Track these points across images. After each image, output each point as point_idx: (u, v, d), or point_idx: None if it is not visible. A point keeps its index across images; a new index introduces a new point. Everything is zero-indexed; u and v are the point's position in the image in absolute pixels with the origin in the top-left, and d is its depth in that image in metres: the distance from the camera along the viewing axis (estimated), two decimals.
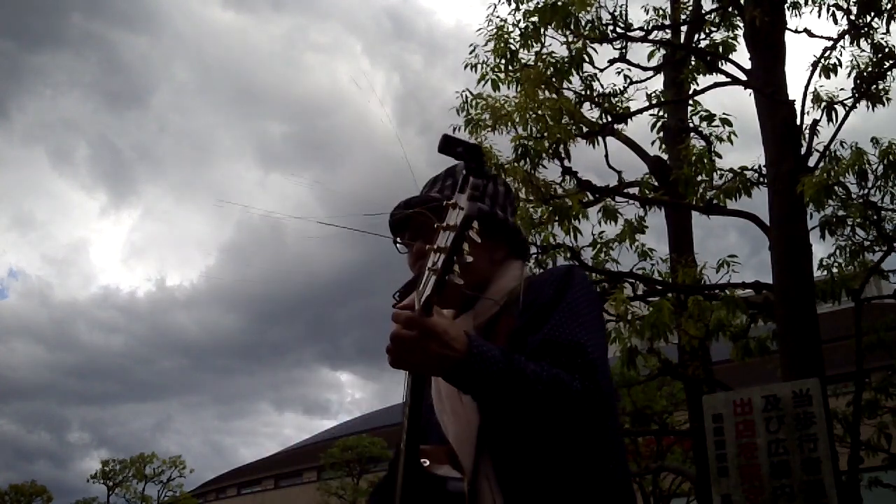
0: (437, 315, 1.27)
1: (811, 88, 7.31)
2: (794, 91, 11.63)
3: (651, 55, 8.60)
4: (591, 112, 7.92)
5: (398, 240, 1.74)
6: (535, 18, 7.72)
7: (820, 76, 7.51)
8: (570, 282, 1.54)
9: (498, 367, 1.31)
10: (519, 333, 1.50)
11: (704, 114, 8.15)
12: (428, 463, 1.42)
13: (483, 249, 1.56)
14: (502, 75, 7.83)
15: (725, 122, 7.94)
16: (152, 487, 32.45)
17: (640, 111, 8.32)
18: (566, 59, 7.70)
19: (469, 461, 1.43)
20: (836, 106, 7.27)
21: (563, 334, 1.44)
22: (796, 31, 7.51)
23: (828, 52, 7.48)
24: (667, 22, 8.45)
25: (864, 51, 7.54)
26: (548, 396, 1.33)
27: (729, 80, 7.77)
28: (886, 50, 7.40)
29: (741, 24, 7.88)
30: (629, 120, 8.23)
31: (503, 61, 7.83)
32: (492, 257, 1.64)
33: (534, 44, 7.83)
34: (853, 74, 7.50)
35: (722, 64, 8.05)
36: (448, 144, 1.32)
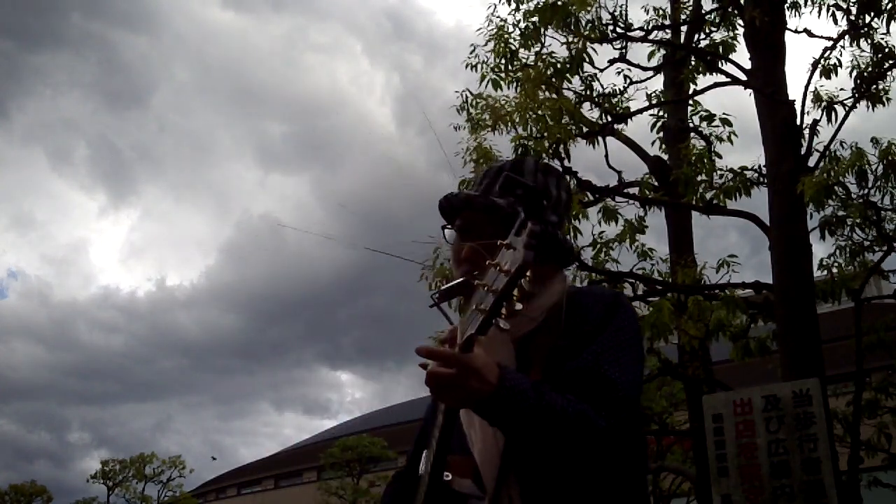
0: (478, 346, 1.26)
1: (811, 88, 7.33)
2: (794, 91, 11.64)
3: (651, 55, 8.62)
4: (591, 112, 7.93)
5: (446, 226, 1.69)
6: (535, 18, 7.73)
7: (820, 76, 7.52)
8: (617, 311, 1.52)
9: (528, 403, 1.30)
10: (559, 353, 1.48)
11: (704, 114, 8.16)
12: (450, 477, 1.42)
13: (534, 269, 1.56)
14: (502, 75, 7.84)
15: (725, 122, 7.95)
16: (152, 487, 32.45)
17: (640, 111, 8.34)
18: (566, 59, 7.70)
19: (492, 481, 1.43)
20: (836, 106, 7.28)
21: (598, 367, 1.43)
22: (796, 31, 7.53)
23: (828, 53, 7.49)
24: (667, 22, 8.45)
25: (864, 51, 7.56)
26: (572, 432, 1.34)
27: (729, 80, 7.78)
28: (886, 50, 7.40)
29: (741, 24, 7.88)
30: (629, 120, 8.24)
31: (503, 61, 7.84)
32: (541, 274, 1.57)
33: (534, 44, 7.84)
34: (853, 74, 7.50)
35: (722, 64, 8.05)
36: (508, 185, 1.30)
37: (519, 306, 1.20)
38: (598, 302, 1.54)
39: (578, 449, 1.36)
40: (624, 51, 8.10)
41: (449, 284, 1.54)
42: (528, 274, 1.19)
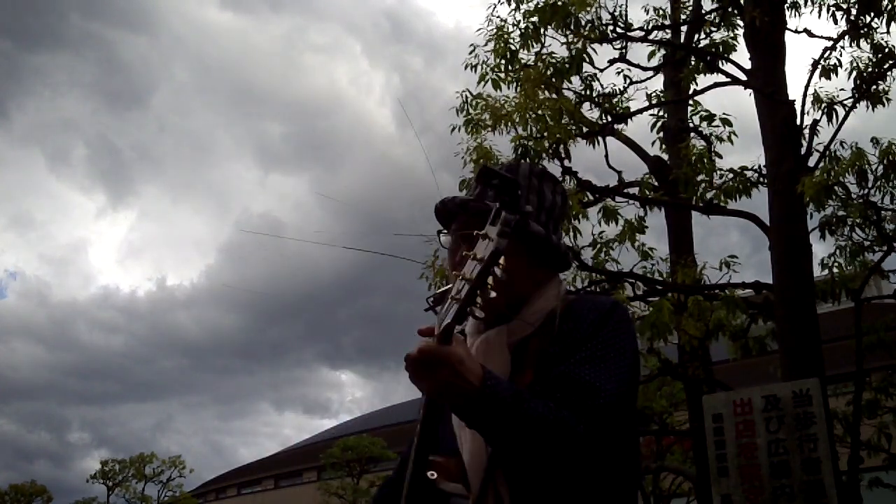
0: (457, 344, 1.27)
1: (811, 89, 7.33)
2: (794, 91, 11.64)
3: (651, 55, 8.62)
4: (591, 112, 7.93)
5: (442, 232, 1.71)
6: (535, 18, 7.73)
7: (820, 77, 7.52)
8: (609, 320, 1.51)
9: (506, 408, 1.31)
10: (549, 359, 1.48)
11: (704, 114, 8.16)
12: (435, 476, 1.42)
13: (526, 270, 1.57)
14: (502, 75, 7.84)
15: (726, 122, 7.95)
16: (152, 487, 32.47)
17: (640, 111, 8.34)
18: (566, 59, 7.70)
19: (477, 481, 1.44)
20: (835, 106, 7.27)
21: (581, 373, 1.42)
22: (796, 31, 7.53)
23: (828, 53, 7.49)
24: (667, 22, 8.45)
25: (864, 51, 7.56)
26: (549, 439, 1.34)
27: (729, 80, 7.78)
28: (886, 50, 7.40)
29: (741, 24, 7.88)
30: (629, 120, 8.24)
31: (503, 61, 7.84)
32: (534, 277, 1.61)
33: (534, 44, 7.84)
34: (853, 75, 7.50)
35: (722, 64, 8.05)
36: (485, 176, 1.32)
37: (493, 294, 1.21)
38: (592, 310, 1.54)
39: (555, 453, 1.35)
40: (624, 51, 8.10)
41: (444, 288, 1.54)
42: (501, 261, 1.20)
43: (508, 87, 7.79)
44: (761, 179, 7.60)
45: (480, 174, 1.34)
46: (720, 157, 8.09)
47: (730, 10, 8.31)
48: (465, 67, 7.97)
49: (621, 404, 1.44)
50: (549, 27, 7.70)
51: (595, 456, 1.38)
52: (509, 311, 1.54)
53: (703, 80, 8.51)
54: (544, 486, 1.42)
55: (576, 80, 7.89)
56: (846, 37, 7.47)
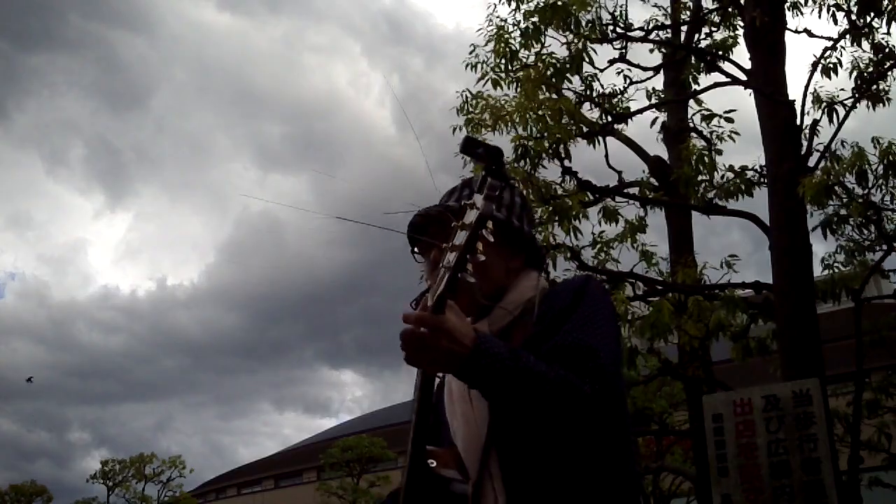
0: (450, 311, 1.27)
1: (811, 89, 7.32)
2: (794, 91, 11.61)
3: (651, 52, 8.62)
4: (591, 112, 7.93)
5: (415, 249, 1.74)
6: (535, 18, 7.73)
7: (821, 76, 7.52)
8: (586, 291, 1.54)
9: (504, 364, 1.31)
10: (533, 341, 1.50)
11: (706, 113, 8.15)
12: (435, 464, 1.43)
13: (499, 258, 1.59)
14: (503, 75, 7.84)
15: (728, 120, 7.94)
16: (152, 487, 32.44)
17: (640, 111, 8.34)
18: (566, 59, 7.71)
19: (475, 466, 1.45)
20: (836, 106, 7.27)
21: (575, 339, 1.44)
22: (796, 31, 7.52)
23: (828, 53, 7.49)
24: (667, 21, 8.46)
25: (864, 51, 7.55)
26: (555, 396, 1.34)
27: (729, 80, 7.78)
28: (887, 50, 7.40)
29: (741, 24, 7.88)
30: (629, 120, 8.24)
31: (503, 61, 7.84)
32: (508, 266, 1.63)
33: (534, 44, 7.84)
34: (853, 75, 7.49)
35: (722, 64, 8.06)
36: (469, 146, 1.33)
37: (482, 257, 1.23)
38: (567, 287, 1.59)
39: (563, 415, 1.36)
40: (624, 51, 8.11)
41: (421, 293, 1.55)
42: (489, 225, 1.22)
43: (508, 87, 7.80)
44: (761, 179, 7.60)
45: (463, 144, 1.34)
46: (720, 153, 8.10)
47: (730, 10, 8.31)
48: (466, 67, 7.99)
49: (618, 369, 1.48)
50: (549, 27, 7.70)
51: (602, 419, 1.39)
52: (488, 300, 1.57)
53: (704, 80, 8.53)
54: (538, 468, 1.42)
55: (576, 80, 7.90)
56: (846, 37, 7.47)
